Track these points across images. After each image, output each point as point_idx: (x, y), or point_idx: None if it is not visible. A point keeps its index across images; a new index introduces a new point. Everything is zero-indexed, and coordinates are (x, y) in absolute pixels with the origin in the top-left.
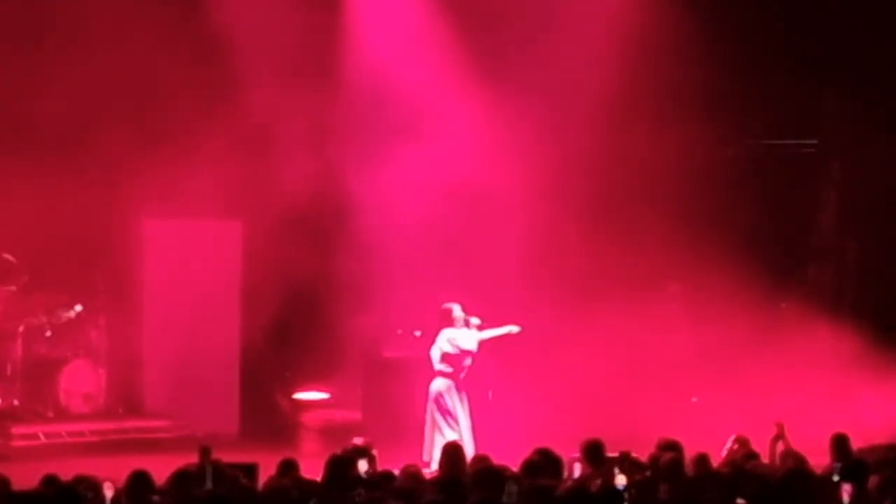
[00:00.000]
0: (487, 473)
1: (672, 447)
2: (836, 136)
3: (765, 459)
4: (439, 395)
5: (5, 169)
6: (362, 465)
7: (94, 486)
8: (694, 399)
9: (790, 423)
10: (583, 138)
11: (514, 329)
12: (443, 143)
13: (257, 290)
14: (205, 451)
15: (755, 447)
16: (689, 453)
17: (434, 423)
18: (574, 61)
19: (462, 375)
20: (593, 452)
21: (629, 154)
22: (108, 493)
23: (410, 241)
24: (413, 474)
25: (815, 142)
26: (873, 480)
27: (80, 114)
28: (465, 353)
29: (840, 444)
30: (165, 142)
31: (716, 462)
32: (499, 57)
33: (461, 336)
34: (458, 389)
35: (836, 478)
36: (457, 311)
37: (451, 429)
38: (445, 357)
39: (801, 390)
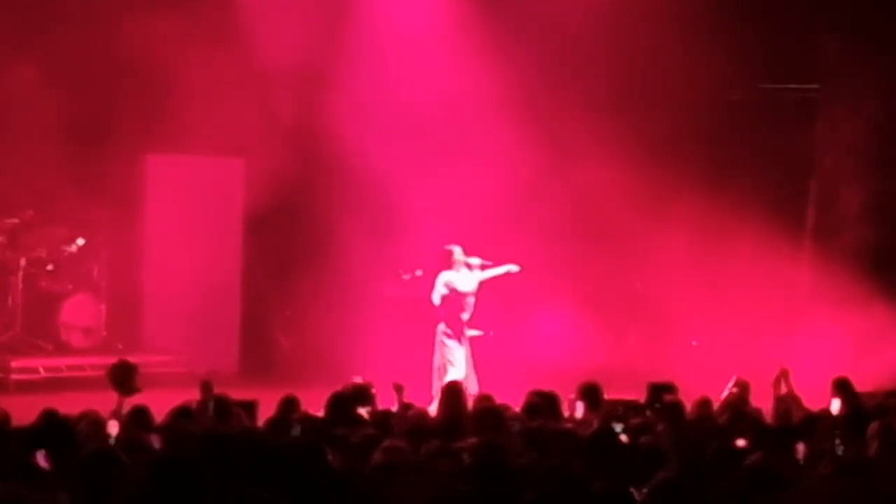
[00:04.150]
0: (488, 413)
1: (668, 389)
2: (838, 81)
3: (766, 401)
4: (443, 336)
5: (10, 103)
6: (363, 406)
7: (98, 422)
8: (694, 342)
9: (790, 366)
10: (584, 83)
11: (513, 268)
12: (444, 78)
13: (259, 227)
14: (206, 386)
15: (755, 390)
16: (690, 396)
17: (438, 363)
18: (576, 7)
19: (465, 315)
20: (590, 394)
21: (632, 99)
22: (113, 430)
23: (410, 179)
24: (419, 413)
25: (816, 86)
26: (873, 426)
27: (84, 48)
28: (463, 295)
29: (843, 387)
30: (169, 77)
31: (716, 405)
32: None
33: (458, 279)
34: (461, 331)
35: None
36: (457, 253)
37: (454, 368)
38: (445, 300)
39: (801, 334)
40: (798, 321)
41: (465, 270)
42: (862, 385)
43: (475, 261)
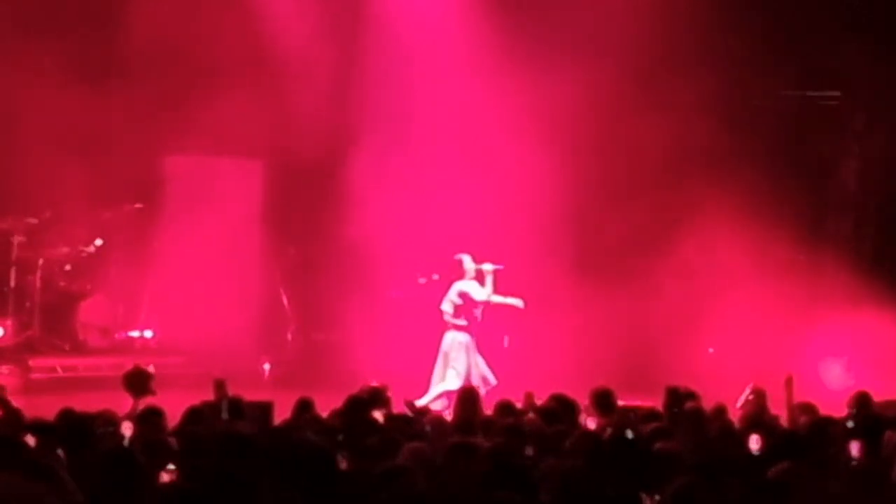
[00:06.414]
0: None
1: (689, 396)
2: (859, 88)
3: (783, 409)
4: (450, 347)
5: (29, 103)
6: (378, 410)
7: (114, 423)
8: (711, 350)
9: (807, 374)
10: (606, 91)
11: (519, 304)
12: (465, 92)
13: (277, 229)
14: (220, 385)
15: (772, 398)
16: (706, 404)
17: (442, 372)
18: (602, 12)
19: (475, 322)
20: (603, 401)
21: (652, 105)
22: (127, 432)
23: (429, 180)
24: (436, 418)
25: (838, 93)
26: (889, 436)
27: (103, 49)
28: (476, 304)
29: (862, 402)
30: (189, 79)
31: (732, 413)
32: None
33: (472, 288)
34: (472, 340)
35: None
36: (467, 262)
37: (459, 379)
38: (458, 310)
39: (820, 342)
40: (818, 328)
41: (482, 279)
42: (882, 394)
43: (487, 266)
